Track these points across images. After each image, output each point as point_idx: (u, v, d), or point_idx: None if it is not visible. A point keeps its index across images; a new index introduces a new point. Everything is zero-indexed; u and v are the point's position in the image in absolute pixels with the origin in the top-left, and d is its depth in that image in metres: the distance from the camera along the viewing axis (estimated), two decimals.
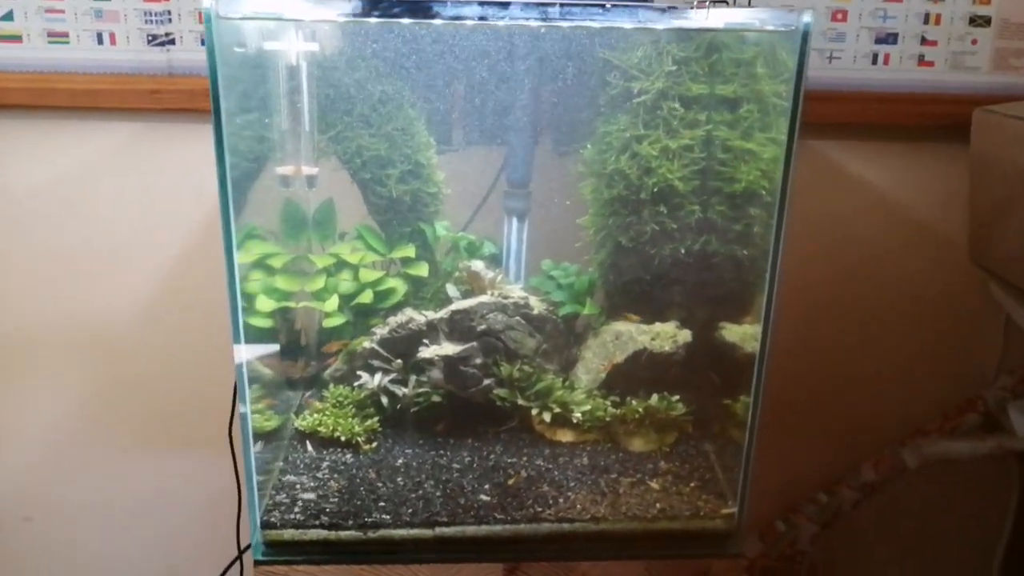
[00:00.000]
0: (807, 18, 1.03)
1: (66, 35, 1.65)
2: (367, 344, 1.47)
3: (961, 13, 1.52)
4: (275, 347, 1.49)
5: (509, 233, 1.64)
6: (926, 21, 1.69)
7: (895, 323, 1.92)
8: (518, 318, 1.36)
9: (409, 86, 1.55)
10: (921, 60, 1.71)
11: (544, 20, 1.13)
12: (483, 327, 1.32)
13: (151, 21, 1.66)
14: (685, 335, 1.44)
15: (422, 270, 1.44)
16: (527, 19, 1.11)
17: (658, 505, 1.29)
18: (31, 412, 1.73)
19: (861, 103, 1.56)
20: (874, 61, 1.55)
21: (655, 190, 1.33)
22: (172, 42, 1.68)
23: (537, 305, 1.40)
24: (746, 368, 1.33)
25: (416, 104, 1.57)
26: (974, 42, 1.66)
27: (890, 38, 1.70)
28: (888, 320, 1.92)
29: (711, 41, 1.39)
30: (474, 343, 1.31)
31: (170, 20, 1.67)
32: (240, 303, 1.14)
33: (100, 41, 1.65)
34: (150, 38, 1.67)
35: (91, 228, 1.79)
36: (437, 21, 1.07)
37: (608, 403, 1.33)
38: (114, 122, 1.71)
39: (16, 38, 1.65)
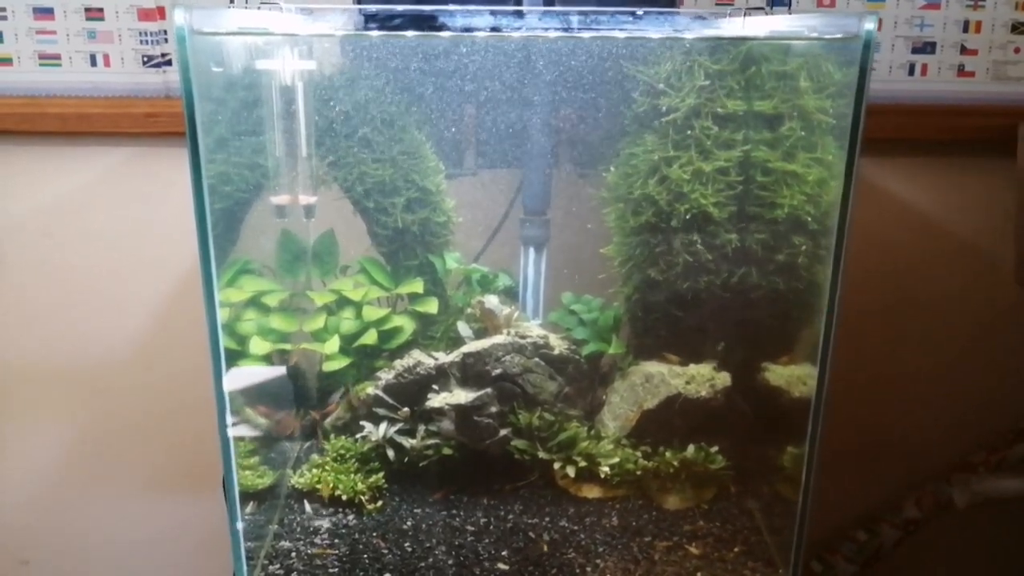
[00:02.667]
0: (869, 25, 0.90)
1: (58, 57, 1.56)
2: (371, 390, 1.33)
3: (1003, 20, 1.39)
4: (280, 369, 1.34)
5: (526, 264, 1.52)
6: (965, 29, 1.57)
7: (935, 347, 1.79)
8: (537, 359, 1.23)
9: (415, 106, 1.43)
10: (961, 70, 1.58)
11: (566, 30, 0.99)
12: (498, 371, 1.18)
13: (147, 41, 1.57)
14: (724, 378, 1.30)
15: (431, 307, 1.40)
16: (547, 29, 0.98)
17: (699, 574, 1.14)
18: (25, 451, 1.69)
19: (897, 116, 1.43)
20: (911, 72, 1.42)
21: (687, 217, 1.23)
22: (169, 63, 1.57)
23: (557, 344, 1.27)
24: (793, 415, 1.19)
25: (423, 126, 1.44)
26: (1017, 51, 1.52)
27: (927, 47, 1.58)
28: (927, 344, 1.79)
29: (748, 52, 1.26)
30: (488, 389, 1.18)
31: (166, 40, 1.57)
32: (221, 347, 1.01)
33: (93, 63, 1.56)
34: (146, 59, 1.57)
35: (83, 258, 1.69)
36: (445, 34, 0.94)
37: (639, 454, 1.19)
38: (107, 147, 1.62)
39: (6, 61, 1.56)
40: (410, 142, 1.42)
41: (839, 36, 1.00)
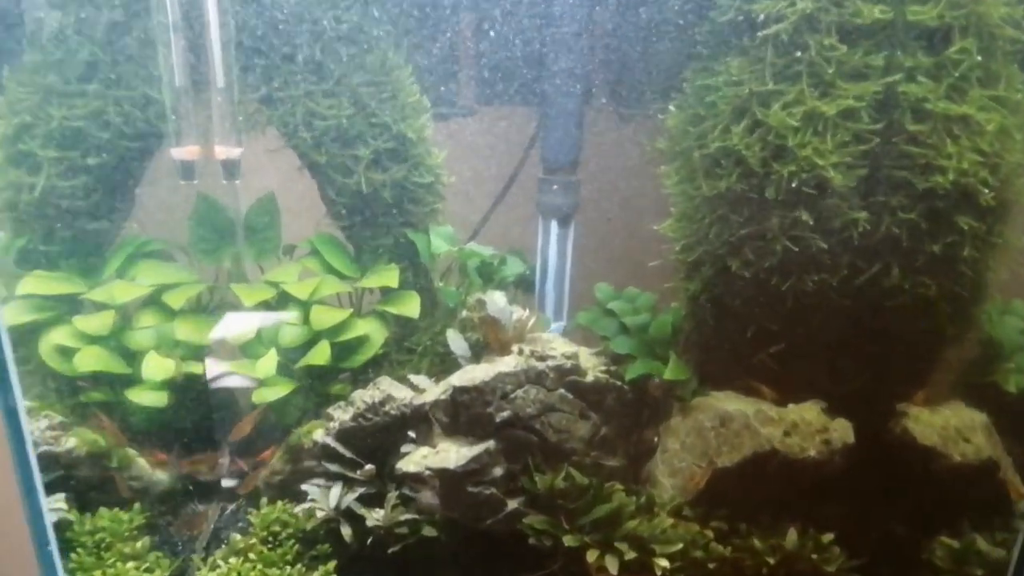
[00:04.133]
0: None
1: None
2: (320, 436, 0.92)
3: None
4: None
5: (545, 243, 1.14)
6: None
7: None
8: (562, 391, 0.94)
9: (387, 15, 1.02)
10: None
11: None
12: (506, 413, 0.81)
13: None
14: (842, 430, 0.88)
15: (410, 307, 1.03)
16: None
17: None
18: None
19: None
20: None
21: (792, 183, 0.87)
22: None
23: (590, 363, 0.90)
24: (955, 488, 0.77)
25: (400, 44, 1.04)
26: None
27: None
28: None
29: None
30: (491, 442, 0.82)
31: None
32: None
33: None
34: None
35: None
36: None
37: (709, 534, 0.80)
38: None
39: None
40: (380, 67, 1.01)
41: None
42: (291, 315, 1.02)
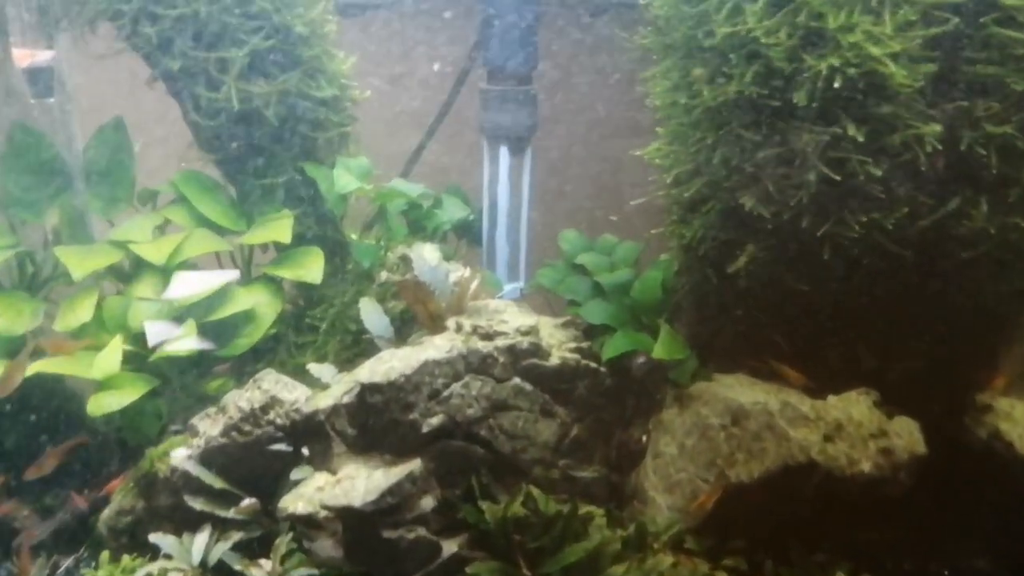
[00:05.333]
0: None
1: None
2: (178, 460, 0.66)
3: None
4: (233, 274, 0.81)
5: (494, 178, 0.91)
6: None
7: None
8: (516, 381, 0.74)
9: None
10: None
11: None
12: (437, 419, 0.72)
13: None
14: (907, 434, 0.66)
15: (311, 269, 0.82)
16: None
17: None
18: None
19: None
20: None
21: (834, 85, 0.67)
22: None
23: (555, 339, 0.79)
24: None
25: None
26: None
27: None
28: None
29: None
30: (416, 462, 0.66)
31: None
32: None
33: None
34: None
35: None
36: None
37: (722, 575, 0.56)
38: None
39: None
40: None
41: None
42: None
